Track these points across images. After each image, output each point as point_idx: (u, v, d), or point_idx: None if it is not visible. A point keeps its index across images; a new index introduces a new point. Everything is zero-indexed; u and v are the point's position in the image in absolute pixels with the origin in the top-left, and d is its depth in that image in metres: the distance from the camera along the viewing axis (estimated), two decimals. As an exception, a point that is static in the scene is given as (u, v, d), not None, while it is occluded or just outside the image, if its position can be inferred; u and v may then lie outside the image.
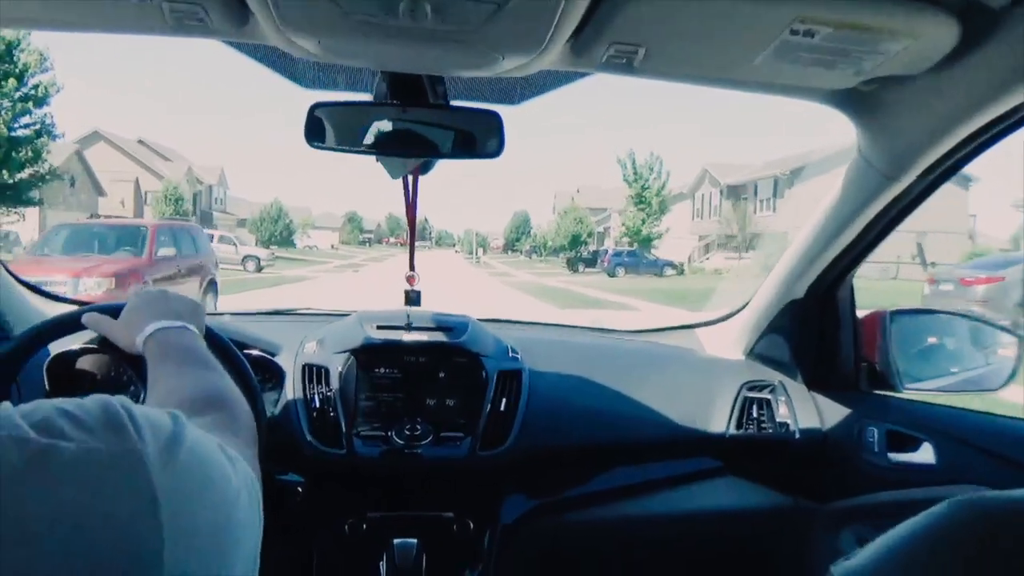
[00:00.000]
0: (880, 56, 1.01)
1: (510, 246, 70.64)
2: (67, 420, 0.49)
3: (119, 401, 0.53)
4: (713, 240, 35.31)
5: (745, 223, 33.67)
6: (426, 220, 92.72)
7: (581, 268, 36.20)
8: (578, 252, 39.63)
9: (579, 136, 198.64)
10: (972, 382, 1.66)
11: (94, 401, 0.52)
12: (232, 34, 1.05)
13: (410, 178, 1.55)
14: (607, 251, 36.89)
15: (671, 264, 32.61)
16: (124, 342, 1.04)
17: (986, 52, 0.97)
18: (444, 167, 1.43)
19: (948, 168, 1.24)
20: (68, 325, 1.18)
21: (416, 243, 1.57)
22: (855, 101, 1.19)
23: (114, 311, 1.10)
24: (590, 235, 42.13)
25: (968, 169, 1.45)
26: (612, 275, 30.73)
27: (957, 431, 1.37)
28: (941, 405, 1.47)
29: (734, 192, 36.28)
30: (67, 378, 1.41)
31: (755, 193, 34.66)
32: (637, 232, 34.69)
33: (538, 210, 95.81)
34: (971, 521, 0.39)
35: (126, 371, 1.44)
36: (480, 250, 60.37)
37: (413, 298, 1.55)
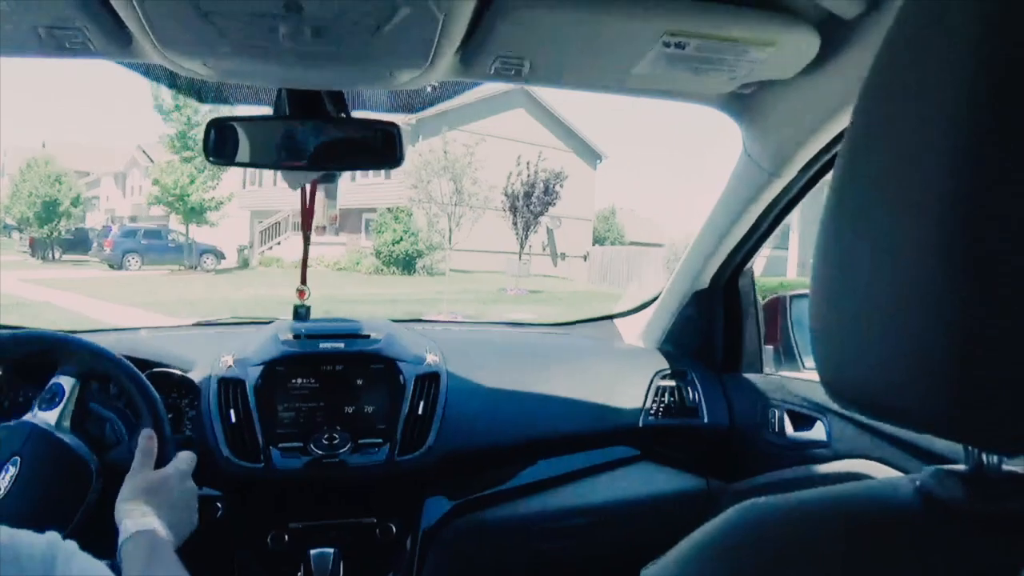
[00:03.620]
0: (750, 64, 1.07)
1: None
2: None
3: None
4: (287, 217, 23.06)
5: (336, 193, 19.89)
6: None
7: (57, 255, 24.02)
8: (55, 229, 24.41)
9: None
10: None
11: None
12: (117, 55, 1.04)
13: (308, 187, 1.56)
14: (109, 228, 23.65)
15: (213, 251, 21.52)
16: (117, 513, 1.04)
17: (846, 57, 1.04)
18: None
19: (827, 163, 1.32)
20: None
21: None
22: (737, 104, 1.26)
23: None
24: (76, 203, 25.46)
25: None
26: (119, 266, 20.16)
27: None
28: None
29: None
30: None
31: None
32: (182, 197, 20.73)
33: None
34: (749, 525, 0.44)
35: (23, 392, 1.41)
36: None
37: (302, 314, 1.54)
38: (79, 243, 24.01)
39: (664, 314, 1.89)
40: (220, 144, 1.24)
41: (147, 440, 1.17)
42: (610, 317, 2.16)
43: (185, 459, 1.20)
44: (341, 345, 1.56)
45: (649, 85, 1.19)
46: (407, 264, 19.93)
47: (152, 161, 24.69)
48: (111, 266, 20.46)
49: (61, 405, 1.25)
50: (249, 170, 23.32)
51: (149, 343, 1.66)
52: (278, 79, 1.15)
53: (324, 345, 1.55)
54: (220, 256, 21.71)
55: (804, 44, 1.02)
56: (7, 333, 1.35)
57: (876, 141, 0.39)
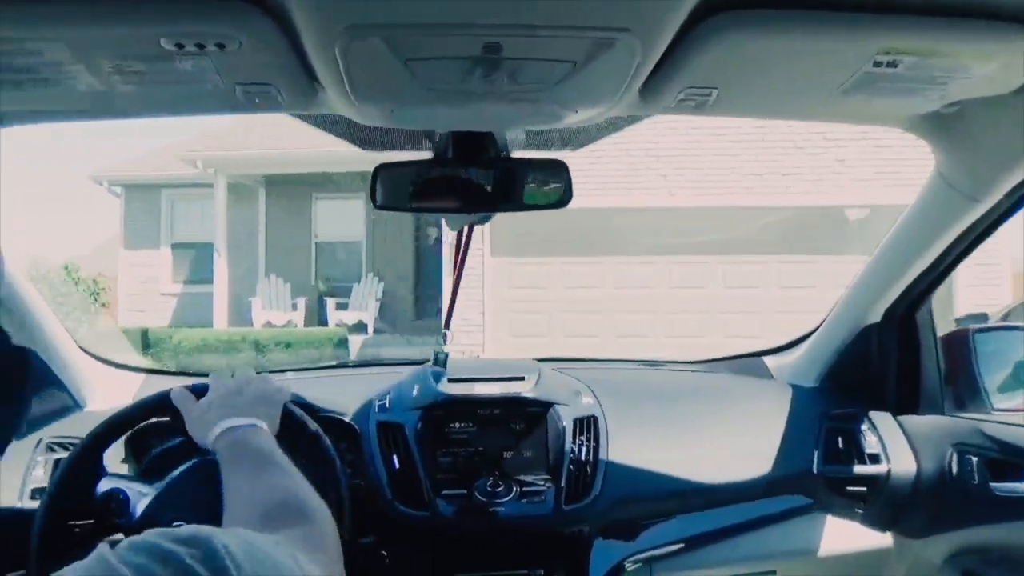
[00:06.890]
0: (968, 79, 0.97)
1: None
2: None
3: (220, 543, 0.52)
4: None
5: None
6: None
7: None
8: None
9: None
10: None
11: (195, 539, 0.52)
12: (303, 107, 1.05)
13: (466, 228, 1.54)
14: None
15: None
16: (196, 436, 1.04)
17: None
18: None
19: None
20: (155, 408, 1.18)
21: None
22: (936, 125, 1.15)
23: (200, 391, 1.11)
24: None
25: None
26: None
27: None
28: None
29: None
30: (144, 448, 1.43)
31: None
32: None
33: None
34: None
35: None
36: None
37: (441, 360, 1.55)
38: None
39: (825, 350, 1.76)
40: (386, 190, 1.24)
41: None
42: (759, 354, 2.04)
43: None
44: (497, 389, 1.52)
45: (842, 110, 1.11)
46: None
47: None
48: None
49: None
50: None
51: (302, 387, 1.67)
52: (455, 122, 1.13)
53: (480, 389, 1.52)
54: None
55: None
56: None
57: None
